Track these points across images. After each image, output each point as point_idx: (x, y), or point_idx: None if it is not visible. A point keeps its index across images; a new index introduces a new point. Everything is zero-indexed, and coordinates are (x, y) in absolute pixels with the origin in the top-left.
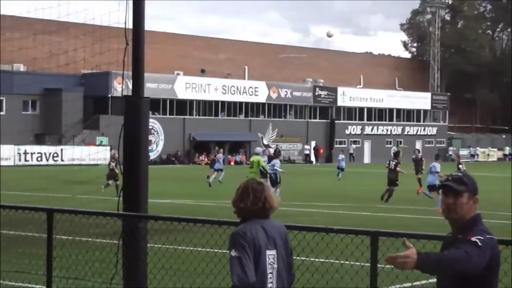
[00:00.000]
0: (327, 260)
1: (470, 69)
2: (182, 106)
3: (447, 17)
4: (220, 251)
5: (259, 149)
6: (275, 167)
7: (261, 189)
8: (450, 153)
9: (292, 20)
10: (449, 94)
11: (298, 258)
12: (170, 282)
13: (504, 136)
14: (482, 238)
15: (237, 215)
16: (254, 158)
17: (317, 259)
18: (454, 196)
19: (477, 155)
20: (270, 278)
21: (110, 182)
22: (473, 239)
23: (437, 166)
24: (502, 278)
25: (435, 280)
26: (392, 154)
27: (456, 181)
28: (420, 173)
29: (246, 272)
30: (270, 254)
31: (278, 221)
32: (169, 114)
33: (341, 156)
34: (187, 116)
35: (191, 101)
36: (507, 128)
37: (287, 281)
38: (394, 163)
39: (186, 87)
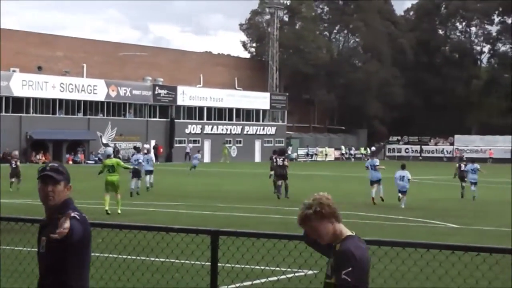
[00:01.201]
0: (167, 260)
1: (308, 69)
2: (18, 104)
3: (286, 18)
4: None
5: (110, 150)
6: (139, 161)
7: None
8: (289, 152)
9: (131, 18)
10: (287, 94)
11: (138, 257)
12: (7, 283)
13: (340, 136)
14: (79, 213)
15: None
16: (111, 161)
17: (157, 259)
18: (53, 184)
19: (316, 154)
20: None
21: (14, 179)
22: (73, 214)
23: (377, 161)
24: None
25: (275, 278)
26: (278, 151)
27: (54, 171)
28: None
29: None
30: None
31: None
32: (5, 112)
33: (197, 155)
34: (24, 114)
35: (28, 99)
36: (343, 128)
37: None
38: (282, 159)
39: (22, 84)
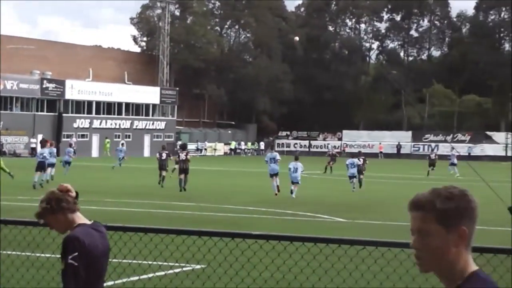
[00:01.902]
0: (53, 255)
1: (198, 64)
2: None
3: (177, 13)
4: None
5: None
6: (43, 155)
7: None
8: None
9: (19, 10)
10: (177, 88)
11: (23, 253)
12: None
13: (230, 132)
14: None
15: None
16: None
17: (43, 254)
18: None
19: (205, 149)
20: None
21: None
22: None
23: (277, 154)
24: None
25: (162, 273)
26: (179, 147)
27: None
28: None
29: None
30: None
31: None
32: None
33: (122, 148)
34: None
35: None
36: (233, 123)
37: None
38: (185, 153)
39: None
